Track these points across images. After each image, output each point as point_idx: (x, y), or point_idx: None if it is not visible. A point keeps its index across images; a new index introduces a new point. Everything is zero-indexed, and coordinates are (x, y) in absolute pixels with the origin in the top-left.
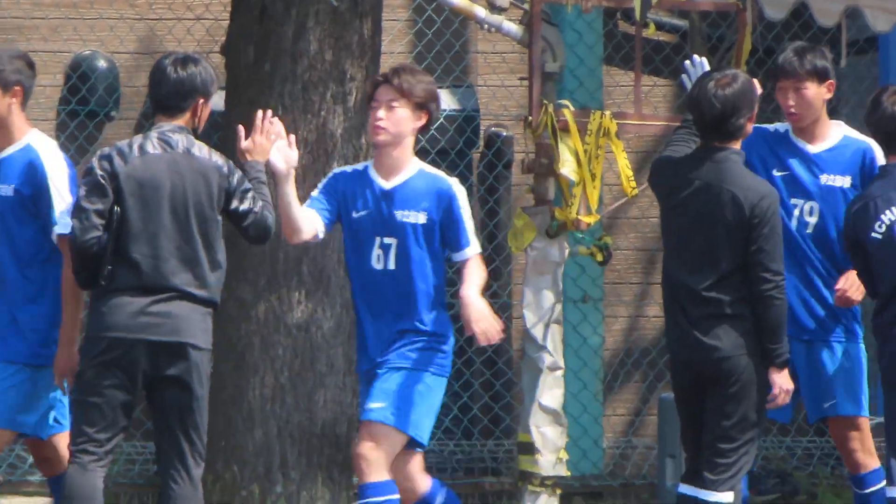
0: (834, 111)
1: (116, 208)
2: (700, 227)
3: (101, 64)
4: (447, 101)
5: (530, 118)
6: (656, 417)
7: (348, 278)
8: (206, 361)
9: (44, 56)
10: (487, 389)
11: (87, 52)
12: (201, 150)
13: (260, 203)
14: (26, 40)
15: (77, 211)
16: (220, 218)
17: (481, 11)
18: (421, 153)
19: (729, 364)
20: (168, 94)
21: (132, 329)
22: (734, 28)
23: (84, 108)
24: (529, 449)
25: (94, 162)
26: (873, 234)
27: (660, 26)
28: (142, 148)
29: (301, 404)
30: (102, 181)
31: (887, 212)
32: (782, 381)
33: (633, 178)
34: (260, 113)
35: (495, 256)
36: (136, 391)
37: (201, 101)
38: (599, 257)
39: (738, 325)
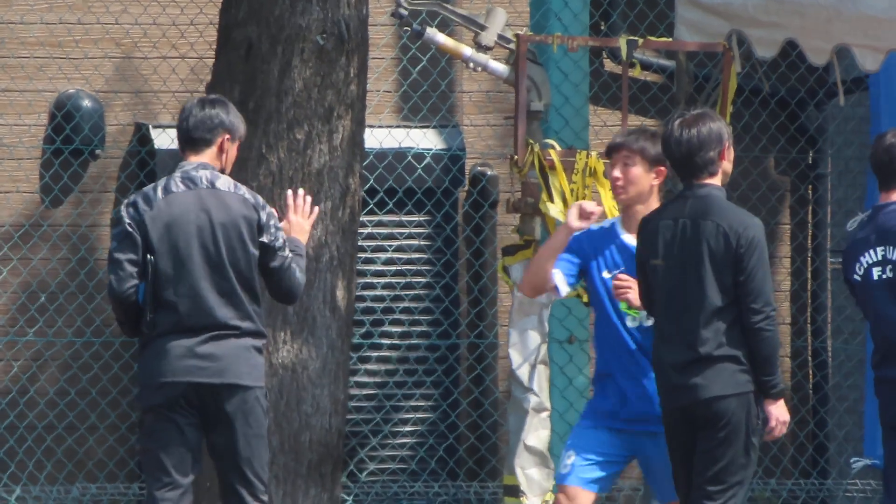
0: (819, 151)
1: (150, 256)
2: (687, 264)
3: (86, 103)
4: (433, 141)
5: (516, 157)
6: None
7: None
8: (257, 397)
9: (28, 95)
10: (473, 430)
11: (71, 91)
12: (226, 183)
13: (291, 255)
14: (11, 79)
15: (112, 264)
16: (255, 251)
17: (467, 50)
18: (407, 193)
19: (719, 406)
20: (193, 127)
21: (179, 372)
22: (721, 68)
23: (69, 146)
24: (515, 491)
25: (122, 210)
26: (855, 277)
27: (646, 66)
28: (165, 189)
29: (287, 445)
30: (130, 229)
31: (866, 254)
32: (779, 413)
33: None
34: (290, 192)
35: (481, 297)
36: (196, 428)
37: (227, 136)
38: (585, 298)
39: (727, 367)
